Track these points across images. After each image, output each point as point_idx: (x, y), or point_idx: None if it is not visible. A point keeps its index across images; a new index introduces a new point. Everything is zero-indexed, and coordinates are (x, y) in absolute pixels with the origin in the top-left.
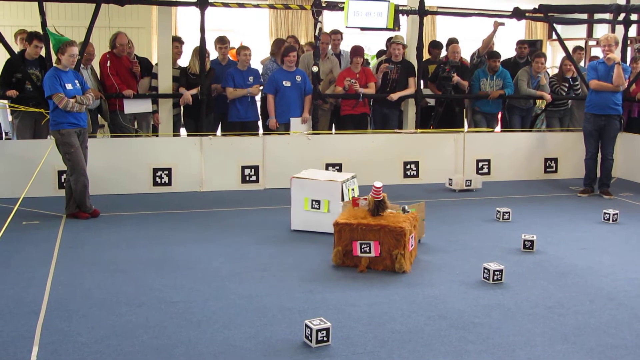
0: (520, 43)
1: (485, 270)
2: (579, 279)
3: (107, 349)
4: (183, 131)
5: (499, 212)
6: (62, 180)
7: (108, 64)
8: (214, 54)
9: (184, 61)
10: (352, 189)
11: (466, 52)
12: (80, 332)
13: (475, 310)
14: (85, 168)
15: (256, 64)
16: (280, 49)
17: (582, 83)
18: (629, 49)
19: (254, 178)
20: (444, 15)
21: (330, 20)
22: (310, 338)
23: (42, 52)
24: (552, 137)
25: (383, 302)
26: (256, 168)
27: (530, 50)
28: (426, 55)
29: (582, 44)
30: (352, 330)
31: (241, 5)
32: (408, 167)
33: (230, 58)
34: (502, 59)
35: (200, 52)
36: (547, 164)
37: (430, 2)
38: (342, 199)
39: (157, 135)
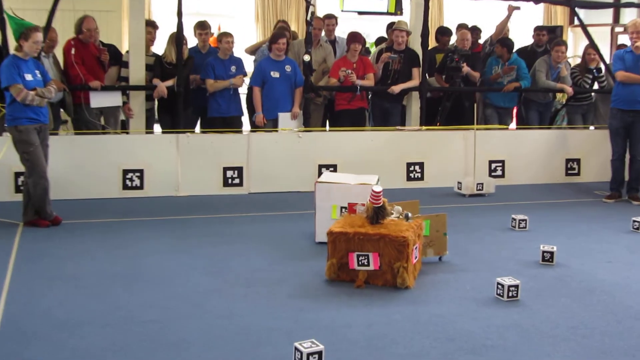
0: (538, 29)
1: (499, 286)
2: (605, 295)
3: None
4: (157, 128)
5: (515, 219)
6: (20, 183)
7: (73, 52)
8: (192, 41)
9: (158, 48)
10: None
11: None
12: (37, 357)
13: (488, 331)
14: (46, 169)
15: (240, 52)
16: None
17: (608, 74)
18: None
19: (237, 181)
20: None
21: (323, 3)
22: None
23: None
24: (574, 136)
25: (383, 322)
26: (240, 170)
27: (550, 37)
28: (433, 44)
29: (607, 30)
30: (347, 354)
31: None
32: (412, 168)
33: (212, 46)
34: (518, 48)
35: (177, 38)
36: (569, 166)
37: None
38: None
39: (127, 132)
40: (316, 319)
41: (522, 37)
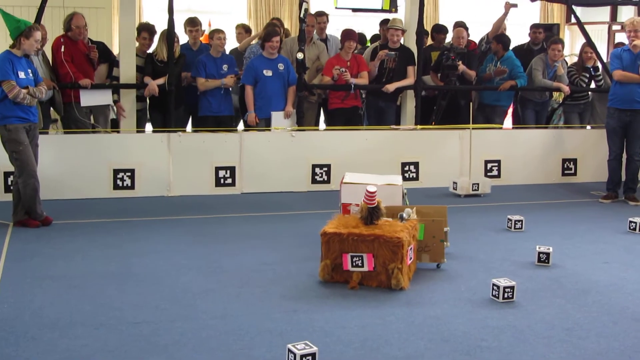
0: (534, 27)
1: (495, 287)
2: (600, 297)
3: None
4: (148, 127)
5: (510, 220)
6: (9, 183)
7: (62, 49)
8: (183, 39)
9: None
10: (406, 193)
11: (474, 37)
12: (28, 358)
13: (483, 332)
14: (36, 169)
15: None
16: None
17: (605, 73)
18: None
19: (229, 181)
20: None
21: (317, 0)
22: None
23: None
24: (571, 135)
25: (377, 324)
26: (232, 169)
27: (546, 35)
28: (428, 42)
29: (604, 28)
30: (341, 355)
31: None
32: (406, 168)
33: (203, 42)
34: (514, 46)
35: (168, 35)
36: (565, 166)
37: None
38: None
39: (118, 131)
40: (310, 320)
41: (518, 35)
